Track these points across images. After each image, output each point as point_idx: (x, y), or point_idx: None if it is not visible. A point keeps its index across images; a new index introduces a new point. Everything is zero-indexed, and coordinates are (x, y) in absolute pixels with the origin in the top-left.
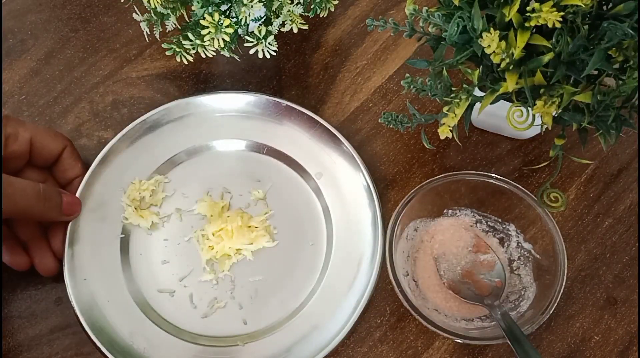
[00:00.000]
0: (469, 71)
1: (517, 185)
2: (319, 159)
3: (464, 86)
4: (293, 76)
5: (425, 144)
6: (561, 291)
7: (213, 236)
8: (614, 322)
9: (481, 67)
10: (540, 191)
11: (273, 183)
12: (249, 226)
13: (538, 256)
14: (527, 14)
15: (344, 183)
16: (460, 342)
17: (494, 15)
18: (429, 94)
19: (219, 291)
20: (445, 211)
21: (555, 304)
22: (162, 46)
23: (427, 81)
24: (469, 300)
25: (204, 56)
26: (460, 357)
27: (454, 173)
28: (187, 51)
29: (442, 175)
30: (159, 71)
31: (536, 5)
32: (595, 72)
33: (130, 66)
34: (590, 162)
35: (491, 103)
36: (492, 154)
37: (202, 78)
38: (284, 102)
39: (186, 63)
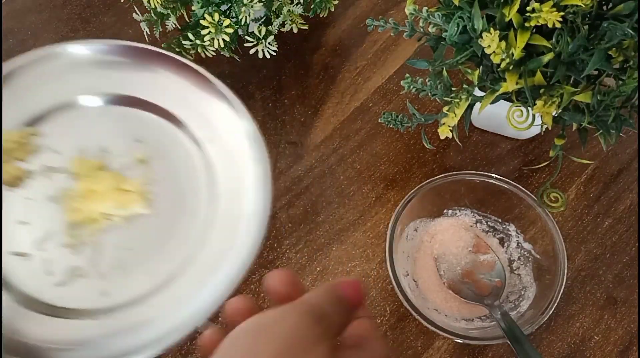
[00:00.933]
0: (469, 71)
1: (517, 185)
2: (211, 125)
3: (464, 86)
4: (293, 76)
5: (425, 144)
6: (561, 291)
7: (80, 198)
8: (614, 322)
9: (481, 67)
10: (540, 191)
11: (158, 146)
12: (123, 190)
13: (538, 256)
14: (527, 14)
15: (233, 150)
16: (460, 342)
17: (494, 15)
18: (429, 94)
19: (80, 259)
20: (445, 211)
21: (555, 304)
22: (162, 45)
23: (427, 81)
24: (469, 300)
25: (204, 56)
26: (460, 357)
27: (454, 173)
28: (187, 51)
29: (442, 175)
30: None
31: (536, 5)
32: (595, 72)
33: None
34: (590, 162)
35: (491, 103)
36: (492, 154)
37: None
38: (184, 61)
39: None
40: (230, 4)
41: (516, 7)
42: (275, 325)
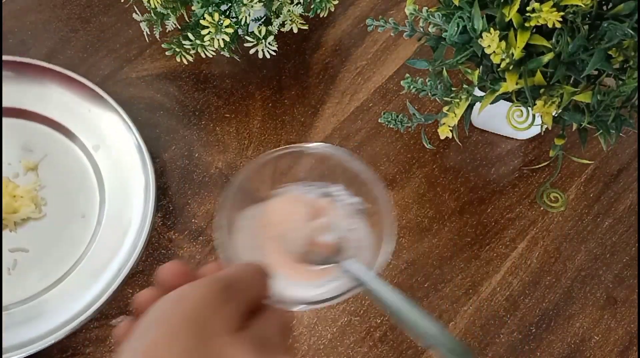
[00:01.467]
0: (469, 71)
1: (327, 145)
2: (97, 130)
3: (464, 86)
4: (293, 76)
5: (425, 144)
6: (392, 229)
7: None
8: (614, 322)
9: (481, 67)
10: (540, 191)
11: (47, 154)
12: (14, 196)
13: (366, 206)
14: (527, 14)
15: (120, 155)
16: (319, 306)
17: (494, 15)
18: (429, 94)
19: None
20: (273, 192)
21: (390, 246)
22: (162, 45)
23: (427, 81)
24: (320, 265)
25: (204, 56)
26: None
27: (263, 154)
28: (187, 51)
29: (252, 162)
30: (159, 71)
31: (536, 5)
32: (595, 72)
33: (130, 66)
34: (590, 162)
35: (491, 103)
36: (492, 154)
37: (202, 78)
38: (63, 71)
39: (186, 63)
40: (230, 4)
41: (516, 7)
42: (187, 293)
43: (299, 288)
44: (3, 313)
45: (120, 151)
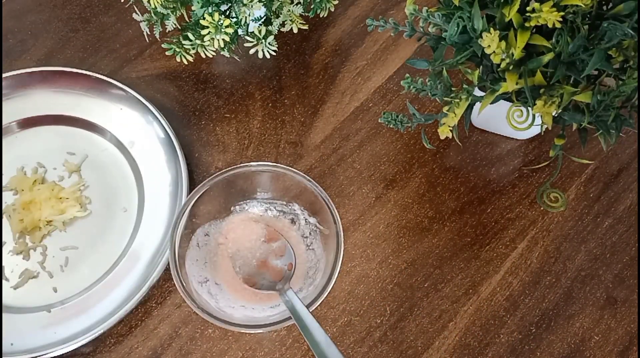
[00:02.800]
0: (469, 71)
1: (279, 166)
2: (131, 128)
3: (464, 86)
4: (293, 76)
5: (425, 144)
6: (340, 254)
7: (22, 210)
8: (614, 322)
9: (481, 67)
10: (540, 191)
11: (87, 155)
12: (60, 198)
13: (321, 228)
14: (527, 14)
15: (154, 148)
16: (261, 331)
17: (494, 15)
18: (429, 94)
19: (31, 263)
20: (232, 208)
21: (338, 268)
22: (162, 46)
23: (427, 81)
24: (264, 290)
25: (204, 56)
26: (460, 357)
27: (226, 169)
28: (187, 51)
29: (212, 176)
30: (159, 71)
31: (536, 5)
32: (595, 72)
33: (130, 66)
34: (590, 162)
35: (491, 103)
36: (492, 154)
37: (202, 78)
38: (94, 74)
39: (186, 63)
40: (230, 4)
41: (516, 7)
42: None
43: (244, 309)
44: (60, 307)
45: (154, 145)
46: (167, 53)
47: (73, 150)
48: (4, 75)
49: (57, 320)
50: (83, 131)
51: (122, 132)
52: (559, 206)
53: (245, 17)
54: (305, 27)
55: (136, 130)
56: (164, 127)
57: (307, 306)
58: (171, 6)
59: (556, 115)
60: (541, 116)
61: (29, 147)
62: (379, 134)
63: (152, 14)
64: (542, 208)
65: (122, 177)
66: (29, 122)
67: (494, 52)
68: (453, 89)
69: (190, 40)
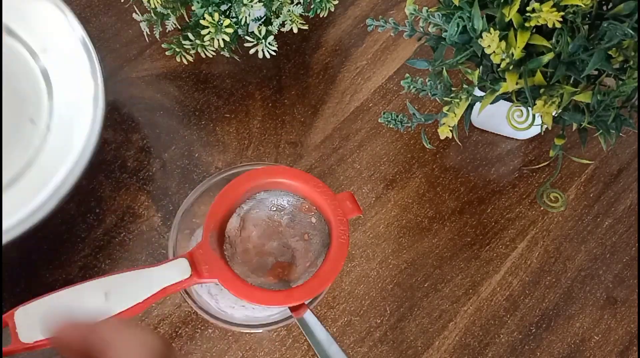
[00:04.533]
0: (469, 71)
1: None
2: (45, 34)
3: (464, 86)
4: (293, 76)
5: (425, 144)
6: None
7: None
8: (614, 322)
9: (481, 67)
10: (540, 191)
11: None
12: None
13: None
14: (527, 14)
15: (69, 58)
16: (261, 331)
17: (494, 15)
18: (429, 94)
19: None
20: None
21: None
22: (162, 45)
23: (427, 81)
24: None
25: (204, 56)
26: (460, 357)
27: (223, 170)
28: (187, 51)
29: (212, 176)
30: (159, 71)
31: (536, 5)
32: (595, 72)
33: (130, 66)
34: (590, 162)
35: (491, 103)
36: (492, 154)
37: (202, 78)
38: None
39: (186, 63)
40: (230, 4)
41: (516, 7)
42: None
43: (244, 309)
44: None
45: (69, 54)
46: (167, 53)
47: None
48: None
49: None
50: None
51: (34, 37)
52: (559, 206)
53: (245, 17)
54: (305, 27)
55: (52, 37)
56: (81, 34)
57: (308, 305)
58: (171, 6)
59: (556, 115)
60: (541, 116)
61: None
62: (379, 134)
63: (152, 14)
64: (542, 208)
65: (34, 87)
66: None
67: (494, 52)
68: (453, 89)
69: (190, 41)
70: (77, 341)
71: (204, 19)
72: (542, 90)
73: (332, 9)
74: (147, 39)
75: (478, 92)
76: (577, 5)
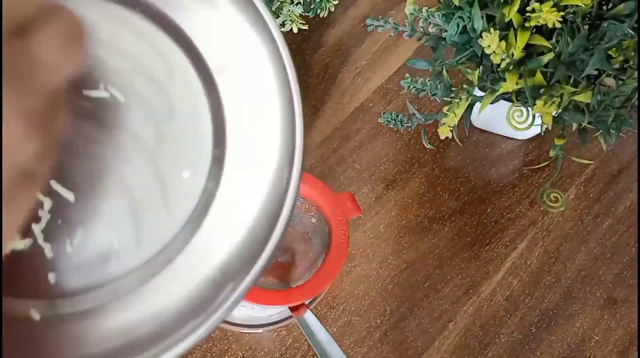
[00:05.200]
0: (469, 71)
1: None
2: (228, 45)
3: (464, 86)
4: None
5: (425, 144)
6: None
7: None
8: (614, 322)
9: (481, 67)
10: (540, 192)
11: (138, 65)
12: None
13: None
14: (527, 14)
15: (257, 87)
16: (261, 331)
17: (494, 15)
18: (429, 94)
19: None
20: None
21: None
22: None
23: (427, 81)
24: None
25: None
26: (460, 357)
27: None
28: None
29: None
30: None
31: (536, 5)
32: (595, 72)
33: None
34: (590, 162)
35: (491, 103)
36: (492, 154)
37: None
38: None
39: None
40: None
41: (516, 7)
42: None
43: (244, 308)
44: None
45: (255, 77)
46: None
47: (127, 50)
48: None
49: None
50: (151, 27)
51: (212, 49)
52: (559, 206)
53: None
54: (305, 27)
55: (235, 48)
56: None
57: (308, 305)
58: None
59: (556, 115)
60: (541, 116)
61: None
62: (379, 134)
63: None
64: (542, 208)
65: (193, 116)
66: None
67: (494, 52)
68: (453, 89)
69: None
70: None
71: None
72: (542, 90)
73: (332, 9)
74: None
75: (478, 92)
76: (577, 5)
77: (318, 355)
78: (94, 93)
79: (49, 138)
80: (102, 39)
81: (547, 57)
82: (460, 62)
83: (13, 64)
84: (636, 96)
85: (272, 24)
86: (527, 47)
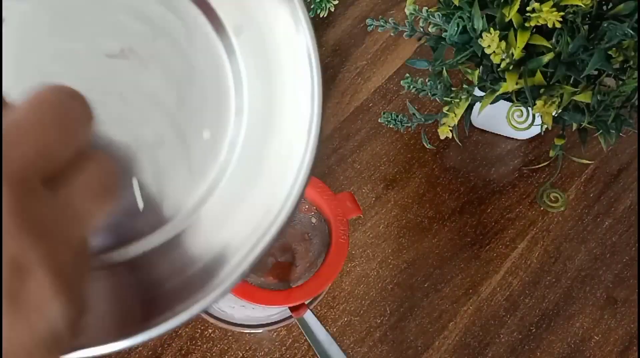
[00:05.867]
0: (469, 70)
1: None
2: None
3: (464, 86)
4: None
5: (425, 144)
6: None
7: None
8: (614, 322)
9: (481, 67)
10: (540, 191)
11: (157, 28)
12: None
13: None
14: (527, 14)
15: (274, 47)
16: (261, 331)
17: (494, 15)
18: (429, 94)
19: None
20: None
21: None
22: None
23: (427, 81)
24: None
25: None
26: (460, 357)
27: None
28: None
29: None
30: None
31: (536, 5)
32: (595, 72)
33: None
34: (590, 162)
35: (491, 103)
36: (492, 154)
37: None
38: None
39: None
40: None
41: (516, 7)
42: None
43: (244, 308)
44: None
45: (275, 39)
46: None
47: (147, 14)
48: None
49: None
50: None
51: (229, 5)
52: (559, 206)
53: None
54: None
55: (251, 6)
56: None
57: (308, 305)
58: None
59: (556, 115)
60: (541, 116)
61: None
62: (379, 134)
63: None
64: (542, 208)
65: (214, 79)
66: None
67: (494, 52)
68: (453, 89)
69: None
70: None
71: None
72: (542, 90)
73: (332, 9)
74: None
75: (478, 92)
76: (577, 5)
77: (318, 355)
78: (114, 56)
79: (76, 297)
80: (123, 2)
81: (547, 57)
82: (460, 62)
83: (45, 215)
84: (636, 96)
85: None
86: (527, 47)
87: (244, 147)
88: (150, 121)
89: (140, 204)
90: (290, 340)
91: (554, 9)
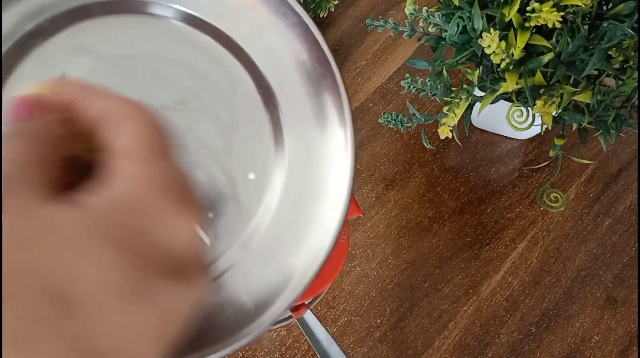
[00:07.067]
0: (469, 71)
1: None
2: (283, 66)
3: (464, 86)
4: None
5: (425, 144)
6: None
7: None
8: (614, 322)
9: (481, 67)
10: (540, 191)
11: (207, 82)
12: None
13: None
14: (527, 14)
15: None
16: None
17: (494, 15)
18: (429, 94)
19: None
20: None
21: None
22: None
23: (427, 81)
24: None
25: None
26: (460, 357)
27: None
28: None
29: None
30: None
31: (536, 5)
32: (595, 72)
33: None
34: (590, 162)
35: (491, 103)
36: (492, 154)
37: None
38: None
39: None
40: None
41: (516, 7)
42: None
43: None
44: None
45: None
46: None
47: (190, 67)
48: None
49: None
50: (216, 46)
51: (272, 67)
52: (559, 206)
53: None
54: None
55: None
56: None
57: (308, 305)
58: None
59: (556, 115)
60: (541, 116)
61: (137, 42)
62: (379, 134)
63: None
64: (542, 208)
65: (254, 127)
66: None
67: (494, 52)
68: (453, 89)
69: None
70: (64, 97)
71: None
72: (542, 90)
73: (332, 9)
74: None
75: (478, 92)
76: (577, 5)
77: (318, 355)
78: (168, 108)
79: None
80: (176, 59)
81: (547, 57)
82: (460, 62)
83: None
84: (636, 96)
85: (322, 42)
86: (527, 47)
87: (286, 189)
88: (201, 164)
89: (207, 240)
90: (290, 340)
91: (554, 9)
